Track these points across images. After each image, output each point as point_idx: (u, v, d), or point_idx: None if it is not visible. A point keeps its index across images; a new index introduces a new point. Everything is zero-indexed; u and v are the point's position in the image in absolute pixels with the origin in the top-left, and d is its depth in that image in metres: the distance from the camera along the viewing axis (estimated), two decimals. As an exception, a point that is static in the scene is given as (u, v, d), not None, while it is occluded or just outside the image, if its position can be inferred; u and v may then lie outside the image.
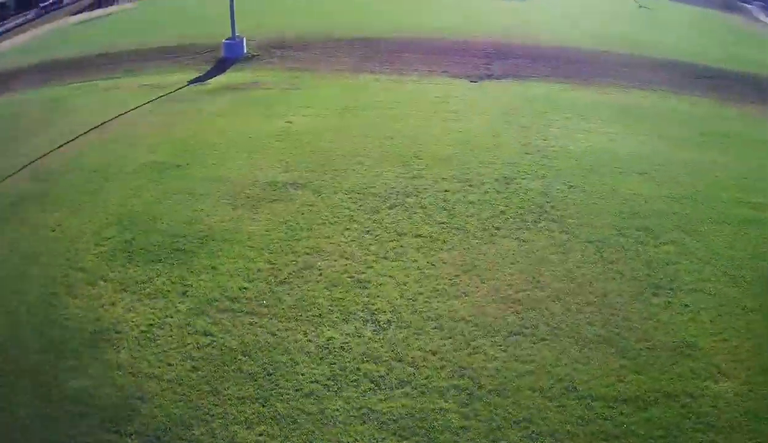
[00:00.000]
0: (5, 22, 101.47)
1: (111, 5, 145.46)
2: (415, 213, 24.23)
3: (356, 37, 53.57)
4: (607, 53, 50.33)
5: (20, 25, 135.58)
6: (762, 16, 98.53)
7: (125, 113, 41.35)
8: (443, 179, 26.94)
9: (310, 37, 54.49)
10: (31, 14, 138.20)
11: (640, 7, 78.30)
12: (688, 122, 37.09)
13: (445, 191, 26.04)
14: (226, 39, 52.51)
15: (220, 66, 51.32)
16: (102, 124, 39.36)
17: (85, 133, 37.90)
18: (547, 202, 25.11)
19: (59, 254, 23.34)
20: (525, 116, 35.38)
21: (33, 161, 34.07)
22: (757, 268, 21.07)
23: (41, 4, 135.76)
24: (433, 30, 55.38)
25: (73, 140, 37.05)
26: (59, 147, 35.87)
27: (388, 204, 24.80)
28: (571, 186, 26.37)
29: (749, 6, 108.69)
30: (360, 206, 24.85)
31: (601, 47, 51.80)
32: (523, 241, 22.47)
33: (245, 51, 51.92)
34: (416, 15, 63.55)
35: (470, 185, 26.44)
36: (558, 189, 26.13)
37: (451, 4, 68.99)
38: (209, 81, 47.68)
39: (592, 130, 33.47)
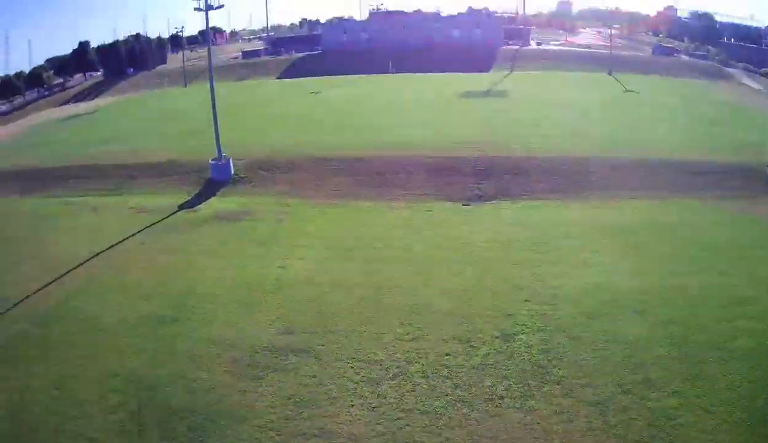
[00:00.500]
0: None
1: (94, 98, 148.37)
2: (418, 385, 24.23)
3: (343, 156, 54.78)
4: (596, 158, 51.70)
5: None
6: (747, 81, 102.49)
7: (117, 244, 41.68)
8: (444, 340, 26.79)
9: (297, 156, 55.78)
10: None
11: (627, 91, 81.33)
12: (683, 235, 37.72)
13: (447, 354, 25.83)
14: (213, 159, 53.24)
15: (209, 189, 52.30)
16: (95, 256, 39.67)
17: (75, 267, 38.09)
18: (549, 360, 24.90)
19: (68, 418, 23.15)
20: (520, 250, 35.72)
21: (25, 298, 34.20)
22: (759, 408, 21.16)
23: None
24: (420, 143, 56.95)
25: (65, 274, 37.27)
26: (49, 284, 35.92)
27: (390, 374, 24.85)
28: (572, 337, 26.27)
29: (733, 71, 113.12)
30: (363, 377, 24.86)
31: (590, 151, 53.28)
32: (528, 411, 22.33)
33: (233, 173, 52.75)
34: (400, 122, 66.62)
35: (471, 346, 26.25)
36: (559, 343, 25.94)
37: (435, 107, 71.08)
38: (199, 207, 48.46)
39: (588, 262, 33.73)
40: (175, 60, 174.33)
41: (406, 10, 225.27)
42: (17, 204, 58.55)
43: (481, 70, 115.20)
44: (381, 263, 35.26)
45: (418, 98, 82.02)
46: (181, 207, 48.72)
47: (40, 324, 30.85)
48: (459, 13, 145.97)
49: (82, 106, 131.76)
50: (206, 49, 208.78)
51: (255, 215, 44.99)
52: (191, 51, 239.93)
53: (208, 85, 54.22)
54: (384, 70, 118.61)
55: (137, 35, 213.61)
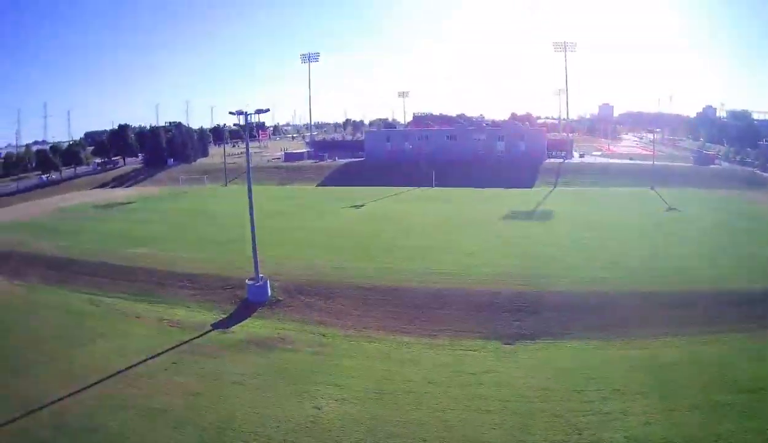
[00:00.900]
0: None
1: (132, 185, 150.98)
2: None
3: (383, 285, 53.98)
4: (640, 292, 50.09)
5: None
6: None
7: (147, 359, 41.65)
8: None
9: (336, 282, 55.22)
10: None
11: (669, 209, 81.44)
12: (725, 380, 36.00)
13: None
14: (250, 279, 53.26)
15: (244, 309, 51.96)
16: (124, 370, 39.65)
17: (104, 379, 38.33)
18: None
19: None
20: (561, 400, 34.36)
21: (50, 403, 34.51)
22: None
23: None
24: (462, 272, 56.11)
25: (93, 384, 37.51)
26: (75, 393, 36.20)
27: None
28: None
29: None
30: None
31: (634, 284, 51.76)
32: None
33: (270, 295, 52.50)
34: (442, 245, 66.55)
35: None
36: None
37: (478, 230, 71.08)
38: (233, 329, 48.00)
39: (628, 412, 32.50)
40: (216, 154, 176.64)
41: (450, 114, 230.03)
42: (45, 295, 59.79)
43: (524, 186, 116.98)
44: (420, 410, 34.13)
45: (460, 219, 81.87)
46: (215, 326, 48.43)
47: (66, 434, 31.39)
48: (504, 121, 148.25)
49: (120, 194, 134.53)
50: (252, 144, 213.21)
51: (291, 345, 44.20)
52: (233, 146, 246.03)
53: (253, 186, 54.56)
54: (427, 182, 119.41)
55: (179, 124, 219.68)
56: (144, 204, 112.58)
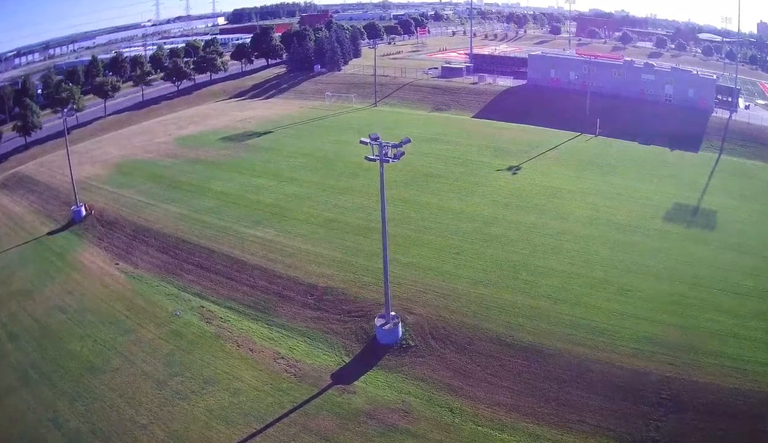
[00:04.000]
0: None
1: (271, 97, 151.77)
2: None
3: (521, 339, 50.07)
4: None
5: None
6: None
7: (253, 436, 41.88)
8: None
9: (473, 326, 52.10)
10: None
11: None
12: None
13: None
14: (380, 319, 51.67)
15: (370, 353, 50.62)
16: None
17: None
18: None
19: None
20: None
21: None
22: None
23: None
24: (610, 328, 50.74)
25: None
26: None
27: None
28: None
29: None
30: None
31: None
32: None
33: (400, 336, 50.64)
34: (588, 273, 59.51)
35: None
36: None
37: (626, 244, 65.41)
38: (355, 385, 46.94)
39: None
40: (369, 55, 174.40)
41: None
42: (151, 295, 62.57)
43: (689, 145, 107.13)
44: None
45: (619, 212, 72.82)
46: (334, 379, 47.66)
47: None
48: (673, 68, 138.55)
49: (254, 115, 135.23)
50: (408, 41, 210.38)
51: (413, 424, 42.72)
52: (389, 43, 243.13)
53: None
54: (591, 128, 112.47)
55: (329, 23, 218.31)
56: (276, 140, 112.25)
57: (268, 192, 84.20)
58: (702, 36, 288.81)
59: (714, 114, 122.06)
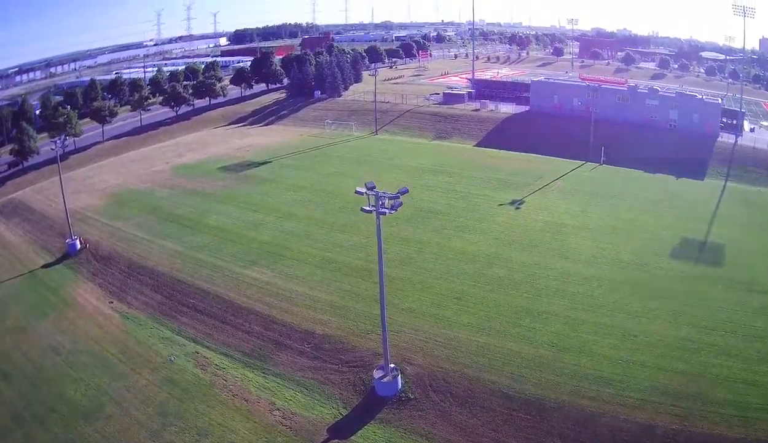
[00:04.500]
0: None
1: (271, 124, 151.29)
2: None
3: (527, 392, 48.63)
4: None
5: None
6: None
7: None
8: None
9: (476, 378, 50.71)
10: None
11: None
12: None
13: None
14: (379, 371, 50.80)
15: (368, 405, 49.43)
16: None
17: None
18: None
19: None
20: None
21: None
22: None
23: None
24: (616, 377, 49.43)
25: None
26: None
27: None
28: None
29: None
30: None
31: None
32: None
33: (399, 388, 49.66)
34: (592, 319, 57.82)
35: None
36: None
37: (633, 283, 64.05)
38: (351, 441, 45.76)
39: None
40: (370, 80, 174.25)
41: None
42: (145, 338, 61.40)
43: (695, 171, 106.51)
44: None
45: (625, 247, 71.68)
46: (330, 431, 46.64)
47: None
48: (678, 93, 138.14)
49: (253, 143, 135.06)
50: (409, 64, 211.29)
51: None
52: (391, 67, 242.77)
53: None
54: (595, 156, 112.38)
55: (330, 47, 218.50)
56: (274, 171, 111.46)
57: (265, 228, 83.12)
58: (704, 55, 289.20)
59: (719, 139, 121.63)
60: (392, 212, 45.92)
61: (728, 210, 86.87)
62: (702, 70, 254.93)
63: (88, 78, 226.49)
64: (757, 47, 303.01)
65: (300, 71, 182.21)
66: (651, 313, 58.29)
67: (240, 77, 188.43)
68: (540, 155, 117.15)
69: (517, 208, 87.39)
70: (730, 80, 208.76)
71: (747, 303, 59.10)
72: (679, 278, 65.08)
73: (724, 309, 58.22)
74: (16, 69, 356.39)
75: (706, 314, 57.46)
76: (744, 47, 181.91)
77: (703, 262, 68.85)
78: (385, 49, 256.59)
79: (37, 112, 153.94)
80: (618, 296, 61.67)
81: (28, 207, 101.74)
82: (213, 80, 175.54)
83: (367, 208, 46.42)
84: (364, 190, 45.45)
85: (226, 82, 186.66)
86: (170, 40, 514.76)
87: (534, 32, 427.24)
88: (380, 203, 45.79)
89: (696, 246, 73.15)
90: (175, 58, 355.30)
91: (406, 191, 46.35)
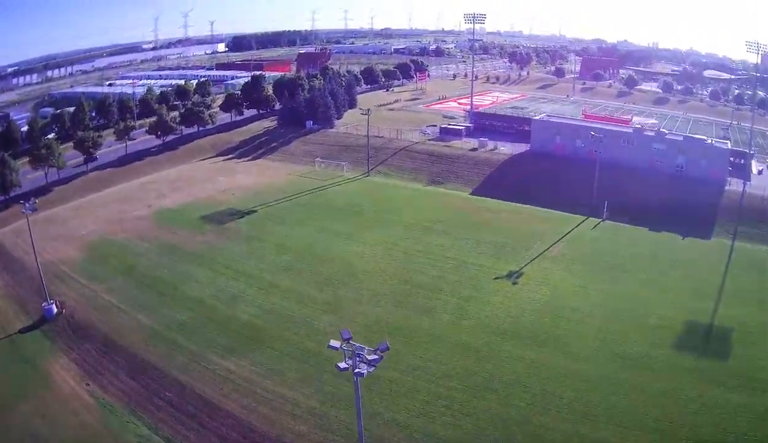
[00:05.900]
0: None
1: (259, 158, 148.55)
2: None
3: None
4: None
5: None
6: None
7: None
8: None
9: None
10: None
11: None
12: None
13: None
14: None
15: None
16: None
17: None
18: None
19: None
20: None
21: None
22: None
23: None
24: None
25: None
26: None
27: None
28: None
29: None
30: None
31: None
32: None
33: None
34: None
35: None
36: None
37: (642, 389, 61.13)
38: None
39: None
40: (365, 103, 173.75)
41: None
42: (117, 422, 59.77)
43: (701, 228, 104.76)
44: None
45: (626, 342, 68.28)
46: None
47: None
48: (685, 137, 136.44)
49: (238, 184, 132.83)
50: (408, 86, 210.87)
51: None
52: (387, 90, 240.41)
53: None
54: (598, 210, 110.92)
55: (325, 69, 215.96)
56: (259, 225, 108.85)
57: (245, 304, 79.85)
58: (708, 74, 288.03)
59: (728, 187, 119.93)
60: (371, 370, 42.37)
61: (736, 279, 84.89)
62: (706, 94, 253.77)
63: (81, 88, 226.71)
64: (754, 58, 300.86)
65: (292, 99, 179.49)
66: (650, 422, 56.44)
67: (230, 104, 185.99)
68: (540, 208, 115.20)
69: (514, 283, 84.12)
70: (734, 105, 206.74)
71: (749, 407, 57.68)
72: (682, 375, 62.80)
73: (725, 416, 56.71)
74: (14, 69, 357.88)
75: (707, 421, 56.19)
76: (756, 82, 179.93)
77: (707, 355, 66.58)
78: (381, 70, 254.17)
79: (23, 129, 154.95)
80: (618, 399, 59.62)
81: (8, 254, 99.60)
82: (202, 108, 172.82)
83: (342, 365, 42.79)
84: (338, 344, 42.16)
85: (216, 108, 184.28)
86: (169, 44, 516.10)
87: (534, 45, 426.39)
88: (357, 358, 42.14)
89: (701, 333, 70.95)
90: (170, 69, 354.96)
91: (387, 349, 42.09)
